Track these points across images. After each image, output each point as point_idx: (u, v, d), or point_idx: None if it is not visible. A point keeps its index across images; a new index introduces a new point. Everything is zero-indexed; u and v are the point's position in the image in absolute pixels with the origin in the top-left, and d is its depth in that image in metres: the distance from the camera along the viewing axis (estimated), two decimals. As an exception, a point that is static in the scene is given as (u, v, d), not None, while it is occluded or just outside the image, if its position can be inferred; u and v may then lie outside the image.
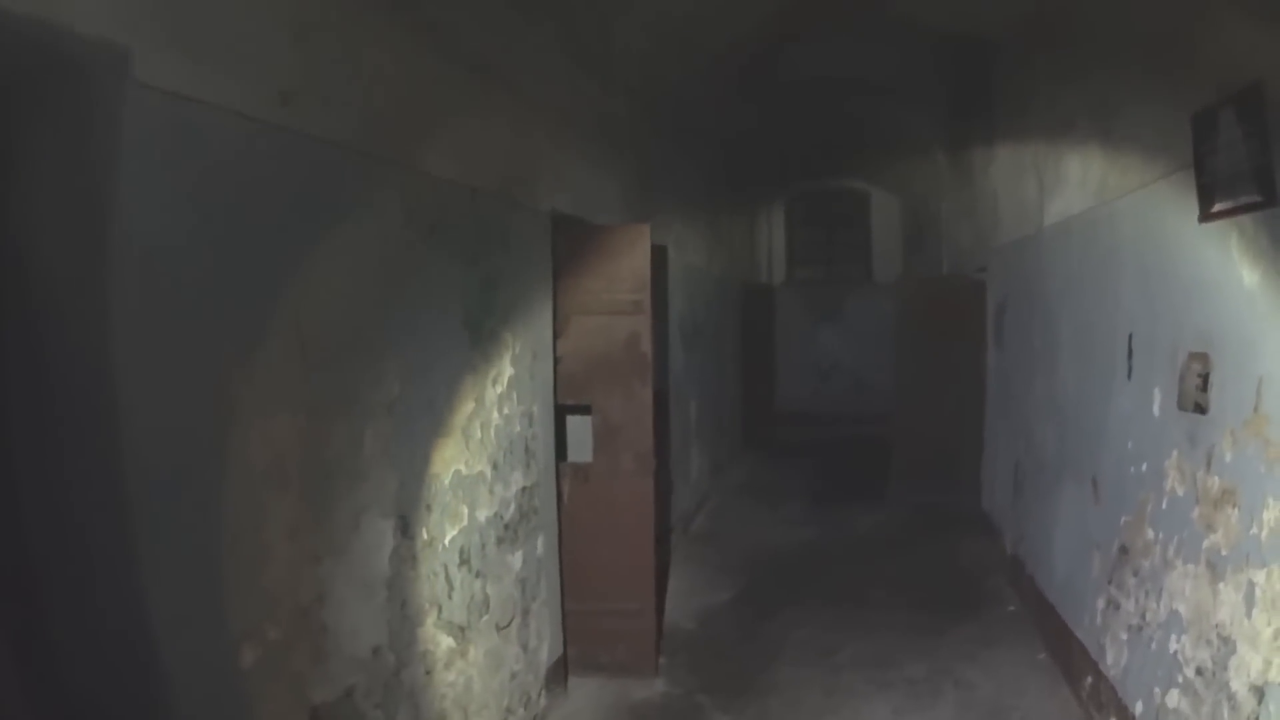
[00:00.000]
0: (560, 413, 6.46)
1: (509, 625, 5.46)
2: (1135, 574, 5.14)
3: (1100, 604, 5.77)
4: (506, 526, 5.41)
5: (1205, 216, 4.13)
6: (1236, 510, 3.92)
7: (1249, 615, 3.77)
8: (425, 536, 4.40)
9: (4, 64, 2.33)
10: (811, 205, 19.89)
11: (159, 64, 2.68)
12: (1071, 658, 6.34)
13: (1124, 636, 5.30)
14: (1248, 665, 3.77)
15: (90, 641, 2.71)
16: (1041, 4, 6.75)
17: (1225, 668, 3.97)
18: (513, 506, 5.50)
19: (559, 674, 6.40)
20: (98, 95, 2.57)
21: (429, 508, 4.44)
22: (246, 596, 3.18)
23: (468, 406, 4.89)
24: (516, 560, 5.58)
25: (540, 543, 6.00)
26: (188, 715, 2.87)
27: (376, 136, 4.01)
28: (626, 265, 6.52)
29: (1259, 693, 3.66)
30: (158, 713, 2.79)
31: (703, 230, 12.34)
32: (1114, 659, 5.47)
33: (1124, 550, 5.34)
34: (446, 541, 4.64)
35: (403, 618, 4.20)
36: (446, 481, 4.63)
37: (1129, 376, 5.27)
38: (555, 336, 6.37)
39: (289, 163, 3.42)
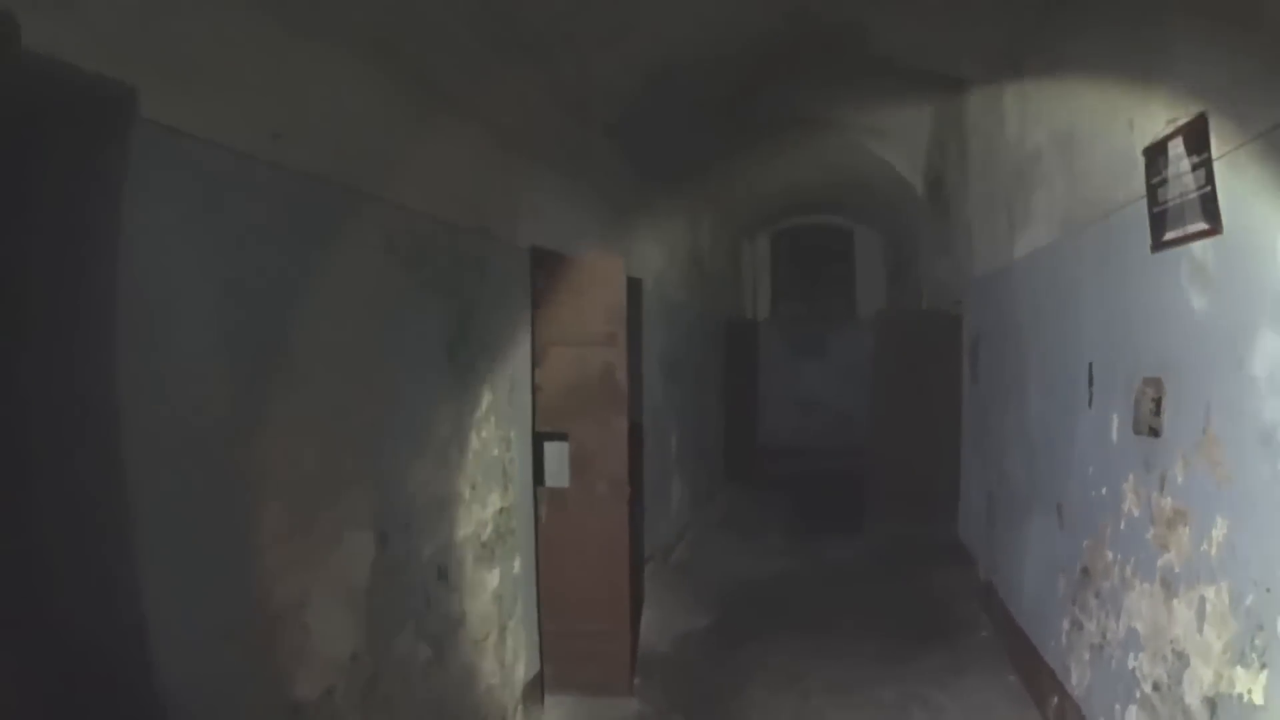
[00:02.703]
0: (538, 439, 6.62)
1: (485, 640, 5.58)
2: (1096, 595, 5.28)
3: (1065, 625, 5.90)
4: (484, 545, 5.55)
5: (1157, 245, 4.29)
6: (1188, 529, 4.05)
7: (1201, 630, 3.89)
8: (404, 551, 4.54)
9: (27, 99, 2.49)
10: (796, 241, 20.07)
11: (162, 101, 2.85)
12: (1040, 680, 6.47)
13: (1086, 656, 5.44)
14: (1200, 679, 3.89)
15: (90, 636, 2.86)
16: (1011, 41, 6.93)
17: (1180, 682, 4.09)
18: (490, 526, 5.64)
19: (535, 691, 6.51)
20: (107, 128, 2.75)
21: (407, 525, 4.59)
22: (235, 596, 3.34)
23: (445, 429, 5.04)
24: (494, 578, 5.71)
25: (517, 563, 6.13)
26: (177, 705, 2.99)
27: (361, 172, 4.18)
28: (601, 297, 6.71)
29: (1211, 705, 3.78)
30: (148, 702, 2.93)
31: (684, 264, 12.49)
32: (1078, 679, 5.60)
33: (1086, 572, 5.48)
34: (424, 557, 4.77)
35: (380, 627, 4.33)
36: (423, 499, 4.77)
37: (1089, 404, 5.42)
38: (534, 366, 6.53)
39: (278, 195, 3.60)
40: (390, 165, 4.48)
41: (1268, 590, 3.34)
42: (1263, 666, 3.38)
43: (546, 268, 6.60)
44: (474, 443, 5.41)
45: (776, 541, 12.43)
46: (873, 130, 11.64)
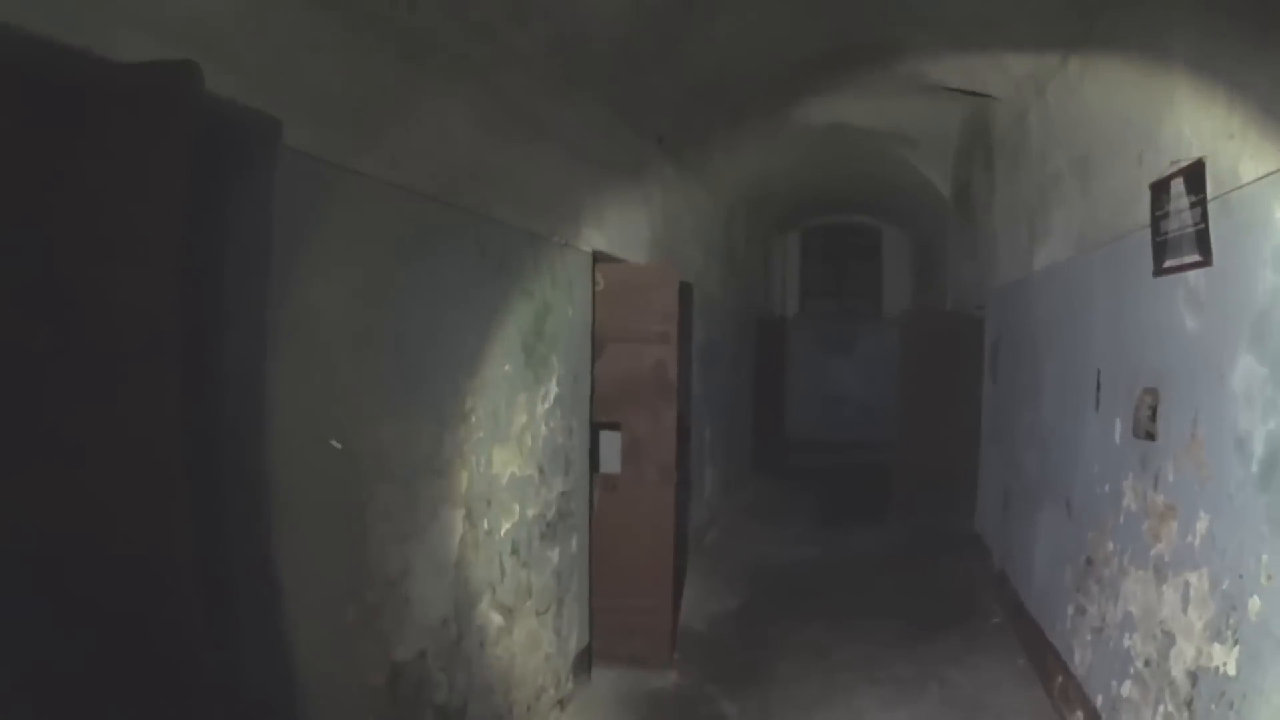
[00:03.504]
0: (594, 428, 7.17)
1: (546, 612, 6.15)
2: (1098, 582, 5.81)
3: (1070, 611, 6.43)
4: (548, 525, 6.12)
5: (1158, 271, 4.79)
6: (1176, 522, 4.58)
7: (1185, 611, 4.41)
8: (486, 527, 5.13)
9: (211, 134, 3.04)
10: (825, 240, 20.44)
11: (300, 131, 3.43)
12: (1046, 661, 7.00)
13: (1088, 638, 5.96)
14: (1184, 655, 4.39)
15: (239, 596, 3.38)
16: (1037, 67, 7.39)
17: (1167, 658, 4.59)
18: (554, 508, 6.22)
19: (584, 662, 7.04)
20: (259, 153, 3.32)
21: (489, 503, 5.16)
22: (352, 566, 3.90)
23: (522, 419, 5.61)
24: (555, 555, 6.28)
25: (574, 542, 6.70)
26: (305, 658, 3.56)
27: (458, 189, 4.76)
28: (655, 299, 7.27)
29: (1193, 677, 4.28)
30: (283, 656, 3.48)
31: (721, 263, 12.94)
32: (1080, 659, 6.13)
33: (1089, 561, 6.01)
34: (501, 533, 5.36)
35: (465, 596, 4.91)
36: (504, 482, 5.36)
37: (1097, 408, 5.94)
38: (592, 361, 7.08)
39: (391, 210, 4.17)
40: (481, 180, 5.03)
41: (1240, 576, 3.87)
42: (1236, 642, 3.88)
43: (606, 270, 7.17)
44: (543, 431, 5.99)
45: (802, 530, 12.92)
46: (903, 138, 12.03)
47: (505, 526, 5.41)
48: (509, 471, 5.43)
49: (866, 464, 16.69)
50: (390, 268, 4.16)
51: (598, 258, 7.03)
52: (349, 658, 3.93)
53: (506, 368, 5.39)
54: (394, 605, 4.23)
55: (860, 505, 13.91)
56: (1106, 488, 5.71)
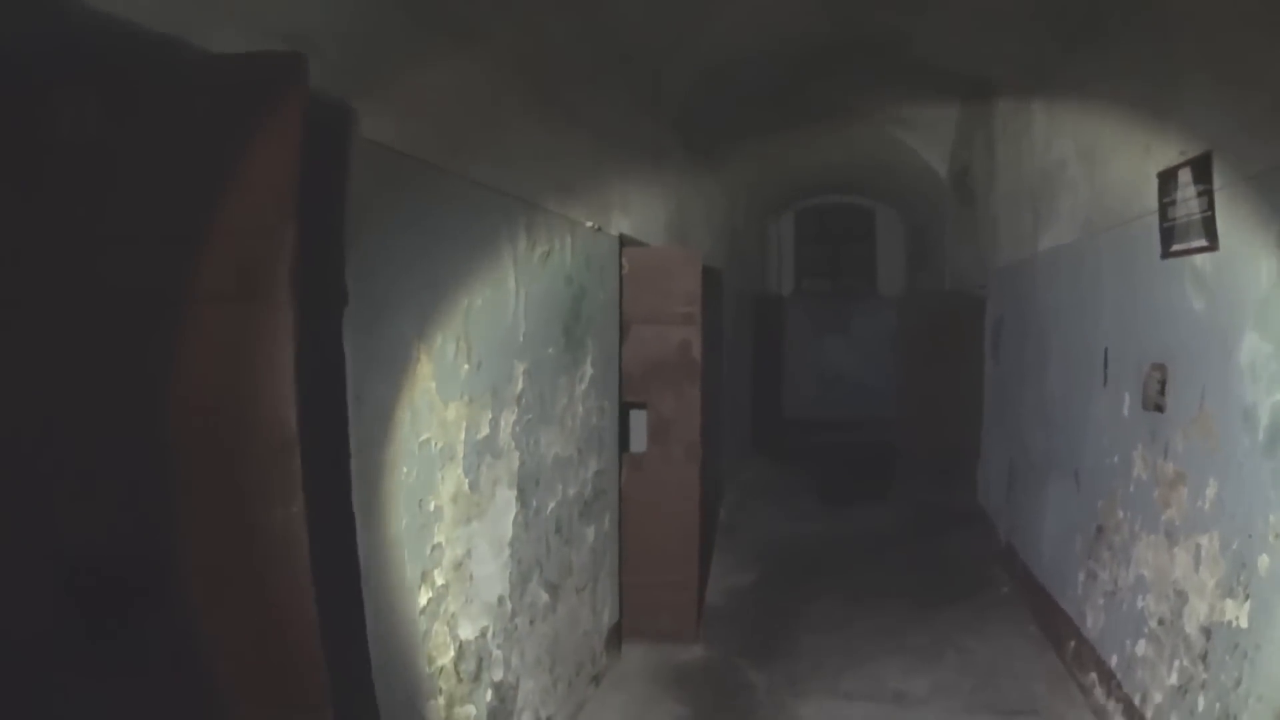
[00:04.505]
0: (623, 408, 7.41)
1: (584, 590, 6.42)
2: (1109, 548, 6.09)
3: (1081, 577, 6.71)
4: (585, 503, 6.38)
5: (1166, 254, 5.06)
6: (1186, 489, 4.85)
7: (1197, 571, 4.68)
8: (534, 506, 5.38)
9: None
10: (820, 220, 20.64)
11: (373, 122, 3.61)
12: (1057, 627, 7.29)
13: (1101, 602, 6.25)
14: (1197, 612, 4.66)
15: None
16: (1041, 58, 7.64)
17: (1180, 616, 4.86)
18: (590, 487, 6.48)
19: (615, 638, 7.30)
20: (336, 141, 3.47)
21: (537, 482, 5.42)
22: (423, 550, 4.09)
23: (563, 400, 5.87)
24: (591, 533, 6.54)
25: (607, 520, 6.96)
26: (382, 642, 3.74)
27: (512, 180, 5.00)
28: (680, 282, 7.52)
29: (1207, 632, 4.55)
30: (359, 642, 3.60)
31: (725, 245, 13.13)
32: (1093, 623, 6.41)
33: (1100, 529, 6.29)
34: (548, 512, 5.61)
35: (518, 574, 5.14)
36: (549, 461, 5.61)
37: (1105, 383, 6.21)
38: (619, 342, 7.32)
39: (454, 200, 4.38)
40: (526, 167, 5.26)
41: (1249, 536, 4.14)
42: (1247, 597, 4.15)
43: (631, 254, 7.40)
44: (580, 411, 6.24)
45: (806, 507, 13.17)
46: (902, 121, 12.27)
47: (550, 505, 5.67)
48: (553, 452, 5.68)
49: (864, 442, 16.97)
50: (462, 257, 4.40)
51: (623, 241, 7.26)
52: (421, 640, 4.09)
53: (550, 350, 5.63)
54: (461, 586, 4.43)
55: (862, 483, 14.16)
56: (1116, 458, 5.98)
